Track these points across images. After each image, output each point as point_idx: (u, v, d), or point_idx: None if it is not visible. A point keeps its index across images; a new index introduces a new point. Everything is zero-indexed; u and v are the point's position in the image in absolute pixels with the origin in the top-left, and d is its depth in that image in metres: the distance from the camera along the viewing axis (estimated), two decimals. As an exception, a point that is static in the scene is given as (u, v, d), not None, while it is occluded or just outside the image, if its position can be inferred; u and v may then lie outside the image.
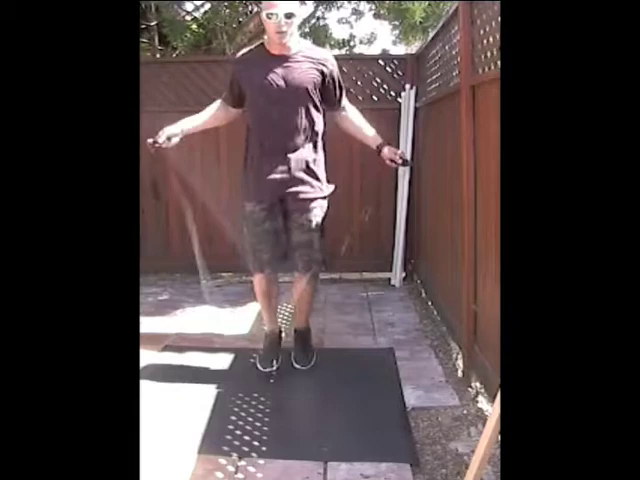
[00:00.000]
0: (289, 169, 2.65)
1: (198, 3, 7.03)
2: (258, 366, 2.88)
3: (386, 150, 2.79)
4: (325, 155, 2.79)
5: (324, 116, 2.76)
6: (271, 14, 2.46)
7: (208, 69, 4.63)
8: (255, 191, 2.73)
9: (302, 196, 2.68)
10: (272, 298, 2.95)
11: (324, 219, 2.76)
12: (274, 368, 2.85)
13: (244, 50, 2.77)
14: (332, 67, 2.70)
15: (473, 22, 2.67)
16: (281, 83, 2.60)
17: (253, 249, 2.79)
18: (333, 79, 2.71)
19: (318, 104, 2.69)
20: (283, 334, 3.07)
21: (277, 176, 2.66)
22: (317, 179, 2.72)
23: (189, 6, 7.18)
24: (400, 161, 2.79)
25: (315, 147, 2.72)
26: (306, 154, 2.68)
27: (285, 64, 2.61)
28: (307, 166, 2.68)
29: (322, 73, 2.66)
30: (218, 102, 2.83)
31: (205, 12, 6.86)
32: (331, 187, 2.81)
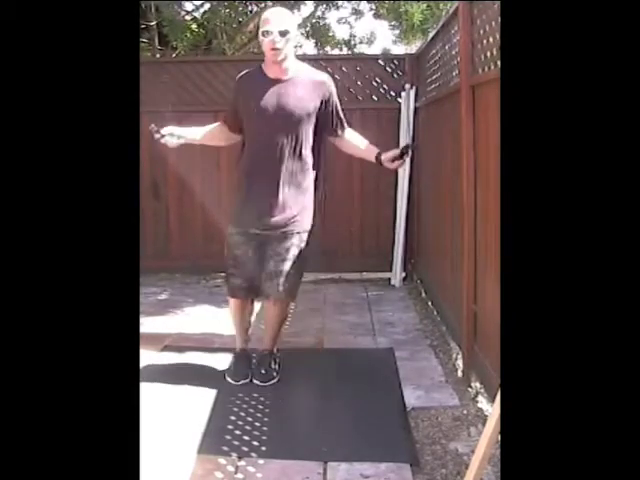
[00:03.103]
0: (275, 198, 2.60)
1: (198, 3, 7.03)
2: (228, 379, 2.78)
3: (386, 155, 2.69)
4: (317, 183, 2.73)
5: (320, 142, 2.70)
6: (266, 32, 2.48)
7: (208, 69, 4.64)
8: (238, 215, 2.71)
9: (283, 227, 2.63)
10: (244, 321, 2.91)
11: (302, 251, 2.70)
12: (244, 382, 2.76)
13: (243, 72, 2.73)
14: (330, 91, 2.65)
15: (473, 22, 2.67)
16: (275, 108, 2.56)
17: (228, 273, 2.77)
18: (331, 103, 2.66)
19: (312, 131, 2.64)
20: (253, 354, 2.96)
21: (262, 204, 2.62)
22: (303, 210, 2.67)
23: (189, 6, 7.18)
24: (399, 153, 2.67)
25: (305, 175, 2.66)
26: (295, 182, 2.63)
27: (281, 89, 2.58)
28: (295, 195, 2.63)
29: (319, 98, 2.61)
30: (219, 124, 2.81)
31: (205, 12, 6.86)
32: (309, 223, 2.72)
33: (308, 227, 2.72)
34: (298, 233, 2.68)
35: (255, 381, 2.77)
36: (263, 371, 2.79)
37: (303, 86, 2.60)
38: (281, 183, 2.60)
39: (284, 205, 2.62)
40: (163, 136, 2.58)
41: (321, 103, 2.63)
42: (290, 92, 2.58)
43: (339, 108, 2.72)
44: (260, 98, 2.58)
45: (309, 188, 2.70)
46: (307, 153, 2.65)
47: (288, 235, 2.66)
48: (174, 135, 2.60)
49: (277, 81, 2.59)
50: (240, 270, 2.72)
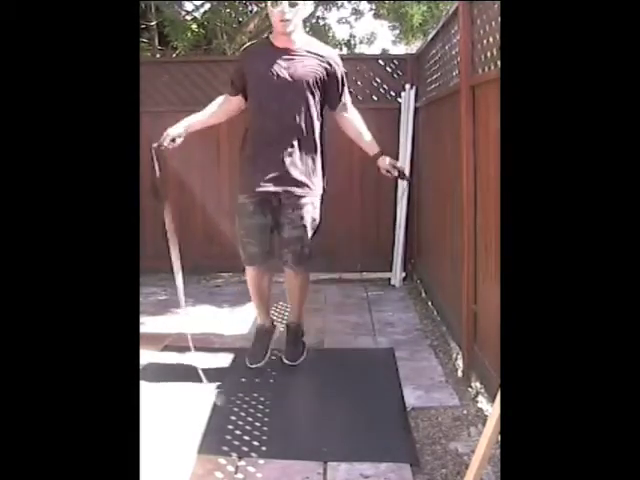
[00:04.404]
0: (284, 164, 2.63)
1: (198, 3, 7.03)
2: (246, 362, 2.85)
3: (383, 161, 2.74)
4: (323, 152, 2.75)
5: (322, 113, 2.74)
6: (275, 2, 2.50)
7: (208, 69, 4.64)
8: (248, 184, 2.71)
9: (294, 192, 2.66)
10: (263, 291, 2.92)
11: (315, 217, 2.73)
12: (261, 364, 2.83)
13: (249, 44, 2.79)
14: (336, 65, 2.69)
15: (473, 22, 2.67)
16: (283, 75, 2.59)
17: (243, 242, 2.78)
18: (336, 77, 2.70)
19: (318, 100, 2.67)
20: (276, 330, 3.04)
21: (271, 170, 2.64)
22: (312, 176, 2.70)
23: (189, 6, 7.19)
24: (396, 173, 2.74)
25: (313, 143, 2.69)
26: (303, 149, 2.65)
27: (288, 57, 2.61)
28: (303, 162, 2.66)
29: (326, 70, 2.65)
30: (221, 97, 2.83)
31: (205, 12, 6.86)
32: (320, 187, 2.75)
33: (320, 192, 2.75)
34: (310, 198, 2.70)
35: (285, 360, 2.84)
36: (293, 348, 2.86)
37: (311, 56, 2.63)
38: (290, 148, 2.63)
39: (296, 171, 2.64)
40: (166, 146, 2.58)
41: (327, 74, 2.65)
42: (298, 60, 2.61)
43: (345, 82, 2.75)
44: (269, 66, 2.60)
45: (318, 153, 2.72)
46: (315, 121, 2.67)
47: (300, 200, 2.67)
48: (174, 137, 2.60)
49: (285, 51, 2.62)
50: (254, 238, 2.73)
